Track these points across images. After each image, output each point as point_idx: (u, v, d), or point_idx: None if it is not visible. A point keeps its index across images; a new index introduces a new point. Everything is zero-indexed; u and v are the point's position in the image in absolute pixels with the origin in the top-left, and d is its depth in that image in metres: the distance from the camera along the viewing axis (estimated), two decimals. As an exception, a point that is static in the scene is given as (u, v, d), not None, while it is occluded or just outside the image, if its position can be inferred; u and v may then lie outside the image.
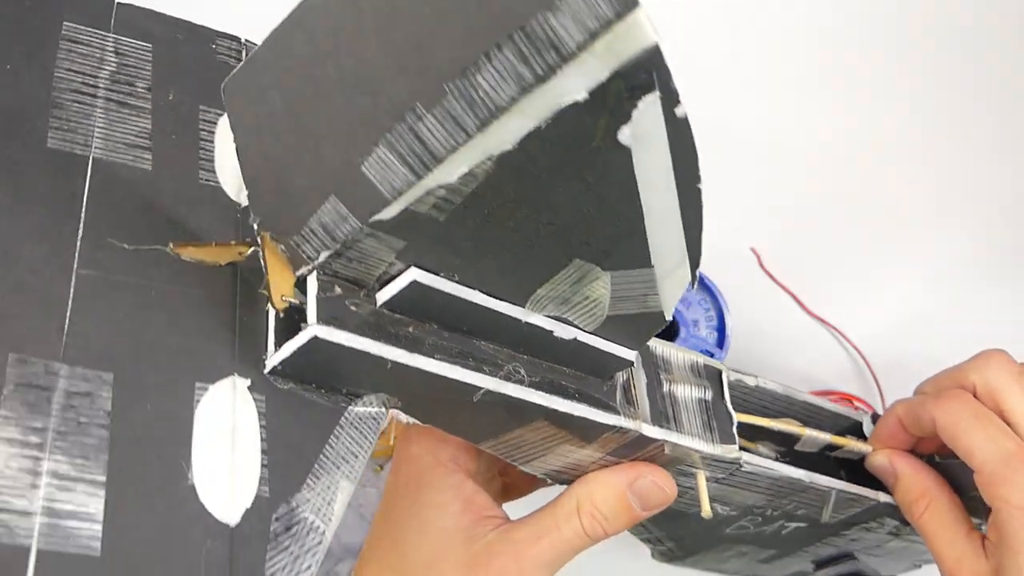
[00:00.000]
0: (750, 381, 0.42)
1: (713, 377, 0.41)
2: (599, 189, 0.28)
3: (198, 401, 0.29)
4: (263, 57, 0.27)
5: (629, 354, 0.35)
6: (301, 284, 0.30)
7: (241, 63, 0.28)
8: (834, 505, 0.44)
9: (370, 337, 0.30)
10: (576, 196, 0.28)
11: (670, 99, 0.25)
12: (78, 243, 0.29)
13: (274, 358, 0.30)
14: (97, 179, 0.31)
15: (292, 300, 0.30)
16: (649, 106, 0.25)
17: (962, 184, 0.61)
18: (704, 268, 0.55)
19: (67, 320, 0.28)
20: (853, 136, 0.61)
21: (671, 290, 0.32)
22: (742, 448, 0.39)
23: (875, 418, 0.46)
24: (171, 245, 0.31)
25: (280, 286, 0.30)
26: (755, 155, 0.59)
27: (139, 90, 0.33)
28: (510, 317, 0.32)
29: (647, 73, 0.24)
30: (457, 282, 0.31)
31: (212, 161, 0.33)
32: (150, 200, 0.31)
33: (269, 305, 0.31)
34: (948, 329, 0.58)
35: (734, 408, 0.40)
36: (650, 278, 0.31)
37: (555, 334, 0.33)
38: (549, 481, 0.39)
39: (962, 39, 0.62)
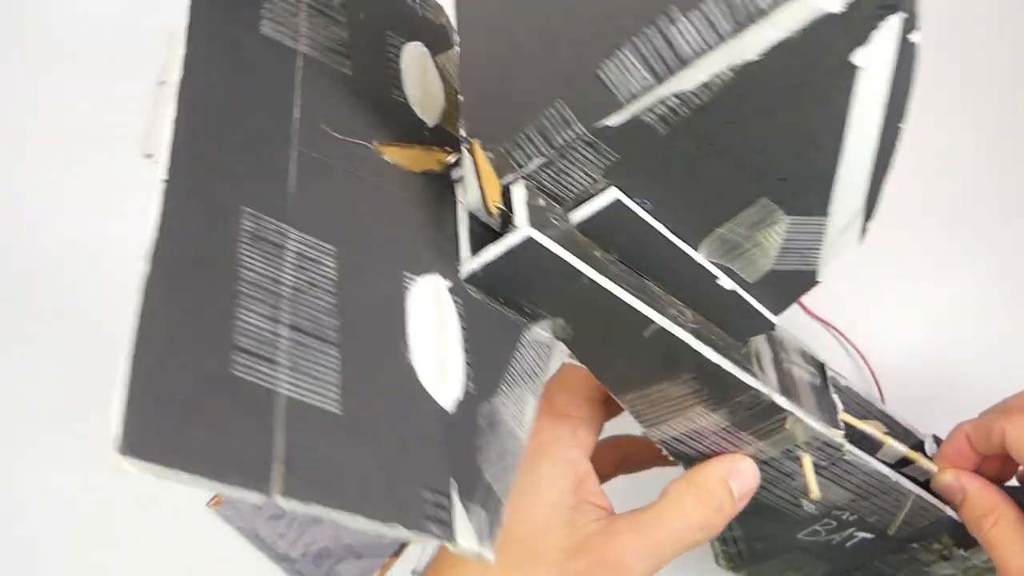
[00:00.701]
0: (841, 381, 0.44)
1: (817, 366, 0.42)
2: (813, 118, 0.29)
3: (407, 289, 0.28)
4: None
5: (771, 316, 0.36)
6: (505, 194, 0.30)
7: None
8: (907, 513, 0.45)
9: (571, 252, 0.30)
10: (790, 123, 0.29)
11: (910, 22, 0.27)
12: (294, 122, 0.29)
13: (473, 262, 0.30)
14: (308, 70, 0.30)
15: (502, 207, 0.30)
16: (889, 29, 0.27)
17: (964, 186, 0.61)
18: None
19: (290, 187, 0.27)
20: None
21: (838, 247, 0.33)
22: None
23: (937, 440, 0.48)
24: (375, 143, 0.30)
25: (491, 190, 0.30)
26: None
27: (335, 3, 0.33)
28: (685, 256, 0.33)
29: None
30: (649, 211, 0.32)
31: (401, 81, 0.33)
32: (352, 101, 0.31)
33: (462, 212, 0.31)
34: (950, 331, 0.58)
35: None
36: (822, 230, 0.33)
37: (718, 281, 0.34)
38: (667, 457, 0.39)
39: (958, 37, 0.62)
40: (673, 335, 0.33)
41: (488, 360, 0.29)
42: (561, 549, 0.35)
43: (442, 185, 0.32)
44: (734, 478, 0.38)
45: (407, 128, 0.32)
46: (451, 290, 0.29)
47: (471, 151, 0.30)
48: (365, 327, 0.26)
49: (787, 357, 0.40)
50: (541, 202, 0.31)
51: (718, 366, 0.34)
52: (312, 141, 0.29)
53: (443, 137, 0.33)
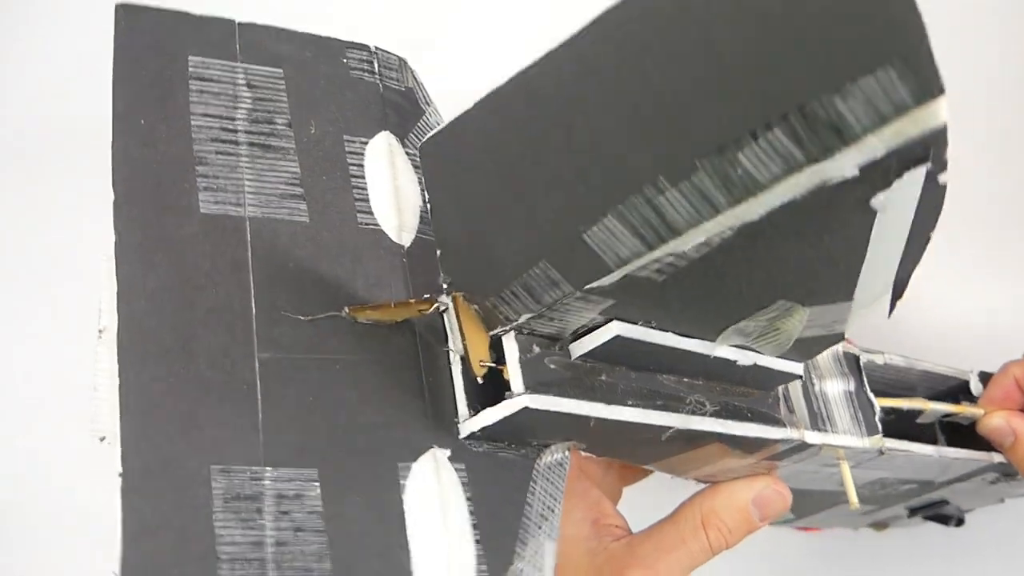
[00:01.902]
0: (879, 360, 0.42)
1: (852, 364, 0.40)
2: (830, 246, 0.26)
3: (403, 484, 0.27)
4: (473, 119, 0.24)
5: (797, 368, 0.34)
6: (496, 343, 0.28)
7: (442, 125, 0.25)
8: (951, 470, 0.45)
9: (572, 396, 0.28)
10: (804, 253, 0.26)
11: (938, 168, 0.23)
12: (254, 323, 0.27)
13: (470, 425, 0.28)
14: (258, 243, 0.28)
15: (489, 364, 0.28)
16: (914, 175, 0.23)
17: (962, 182, 0.60)
18: None
19: (260, 414, 0.26)
20: None
21: (863, 319, 0.30)
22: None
23: (983, 377, 0.46)
24: (347, 309, 0.28)
25: (477, 350, 0.28)
26: None
27: (279, 127, 0.30)
28: (699, 354, 0.30)
29: (924, 149, 0.22)
30: (653, 327, 0.29)
31: (367, 200, 0.30)
32: (314, 257, 0.29)
33: (455, 365, 0.29)
34: (946, 328, 0.58)
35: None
36: (847, 309, 0.30)
37: (737, 363, 0.31)
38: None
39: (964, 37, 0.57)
40: (693, 429, 0.31)
41: (499, 522, 0.28)
42: (586, 573, 0.36)
43: (430, 323, 0.30)
44: (758, 504, 0.37)
45: (382, 262, 0.30)
46: (451, 458, 0.28)
47: (454, 304, 0.28)
48: (360, 554, 0.25)
49: (819, 374, 0.37)
50: (536, 348, 0.28)
51: (743, 436, 0.32)
52: (275, 339, 0.27)
53: (422, 256, 0.31)
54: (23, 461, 0.54)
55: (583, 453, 0.32)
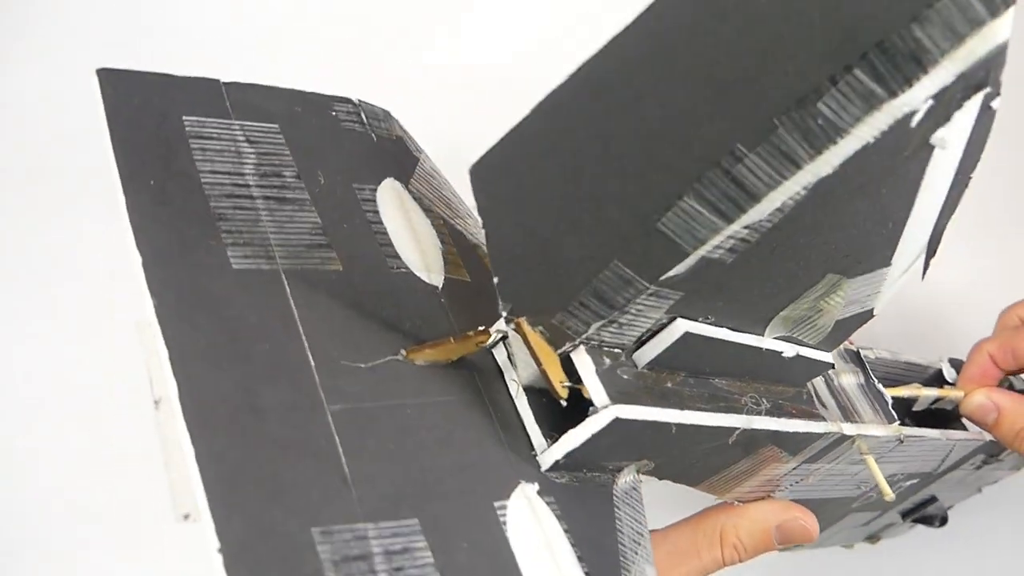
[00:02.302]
0: (870, 355, 0.42)
1: (855, 358, 0.40)
2: (886, 199, 0.26)
3: (504, 523, 0.25)
4: (529, 128, 0.24)
5: (828, 357, 0.34)
6: (565, 360, 0.27)
7: (494, 144, 0.24)
8: (952, 455, 0.45)
9: (652, 405, 0.27)
10: (862, 212, 0.26)
11: (995, 91, 0.24)
12: (315, 375, 0.24)
13: (552, 453, 0.26)
14: (298, 295, 0.26)
15: (569, 384, 0.26)
16: (972, 104, 0.24)
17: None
18: None
19: (346, 468, 0.23)
20: None
21: (899, 286, 0.31)
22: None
23: (954, 362, 0.48)
24: (403, 352, 0.26)
25: (553, 370, 0.26)
26: None
27: (289, 180, 0.28)
28: (752, 348, 0.30)
29: (985, 72, 0.23)
30: (711, 323, 0.28)
31: (391, 245, 0.29)
32: (357, 304, 0.27)
33: (518, 396, 0.27)
34: (944, 326, 0.59)
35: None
36: (883, 278, 0.30)
37: (784, 355, 0.31)
38: None
39: None
40: (755, 428, 0.30)
41: (601, 553, 0.26)
42: None
43: (480, 363, 0.28)
44: (783, 531, 0.36)
45: (422, 305, 0.28)
46: (540, 492, 0.26)
47: (520, 331, 0.26)
48: (484, 603, 0.23)
49: (834, 371, 0.38)
50: (607, 361, 0.27)
51: (795, 432, 0.32)
52: (341, 390, 0.24)
53: (457, 295, 0.29)
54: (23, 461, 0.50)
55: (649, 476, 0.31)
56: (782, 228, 0.25)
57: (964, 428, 0.46)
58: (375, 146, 0.31)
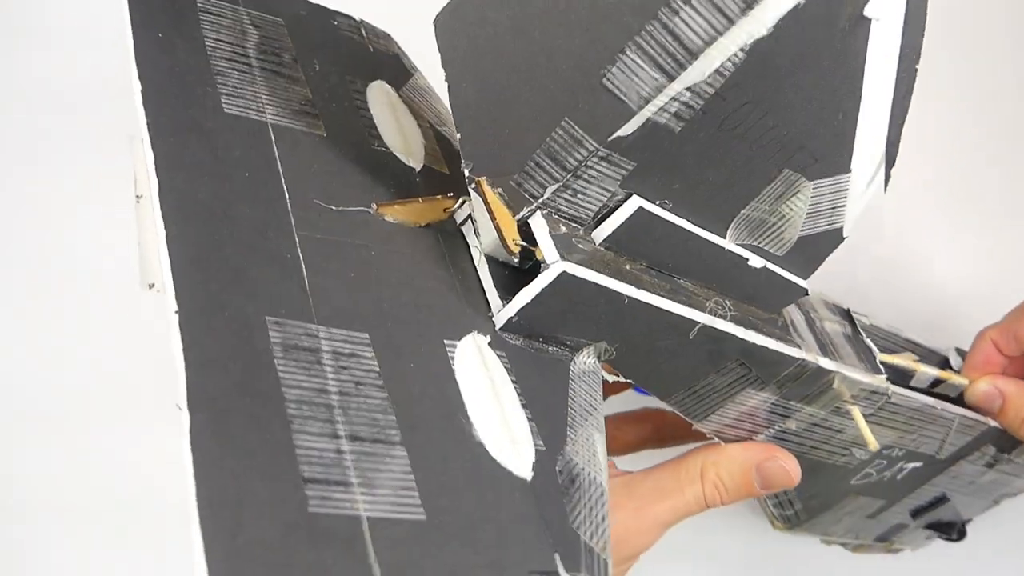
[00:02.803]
0: (864, 320, 0.43)
1: (844, 314, 0.41)
2: (830, 79, 0.28)
3: (452, 358, 0.26)
4: None
5: (802, 282, 0.35)
6: (523, 227, 0.28)
7: None
8: (952, 435, 0.45)
9: (605, 273, 0.28)
10: (807, 90, 0.28)
11: None
12: (288, 205, 0.26)
13: (508, 310, 0.28)
14: (282, 144, 0.28)
15: (522, 244, 0.28)
16: None
17: (962, 183, 0.61)
18: None
19: (306, 280, 0.25)
20: None
21: (863, 200, 0.32)
22: None
23: (961, 352, 0.48)
24: (375, 206, 0.28)
25: (508, 230, 0.28)
26: None
27: (286, 60, 0.30)
28: (714, 246, 0.31)
29: None
30: (670, 210, 0.30)
31: (376, 128, 0.31)
32: (336, 165, 0.29)
33: (479, 261, 0.29)
34: (944, 324, 0.58)
35: None
36: (845, 187, 0.31)
37: (749, 263, 0.32)
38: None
39: (964, 35, 0.61)
40: (718, 329, 0.31)
41: (547, 409, 0.27)
42: None
43: (450, 232, 0.30)
44: (762, 472, 0.37)
45: (398, 179, 0.30)
46: (491, 344, 0.27)
47: (479, 191, 0.28)
48: (424, 415, 0.24)
49: (817, 315, 0.39)
50: (563, 228, 0.29)
51: (764, 347, 0.33)
52: (311, 221, 0.26)
53: (434, 180, 0.31)
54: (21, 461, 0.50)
55: (608, 378, 0.32)
56: (725, 97, 0.26)
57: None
58: (371, 54, 0.33)
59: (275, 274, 0.24)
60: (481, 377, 0.26)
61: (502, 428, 0.25)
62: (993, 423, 0.44)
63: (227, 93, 0.28)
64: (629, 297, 0.29)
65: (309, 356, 0.23)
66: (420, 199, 0.29)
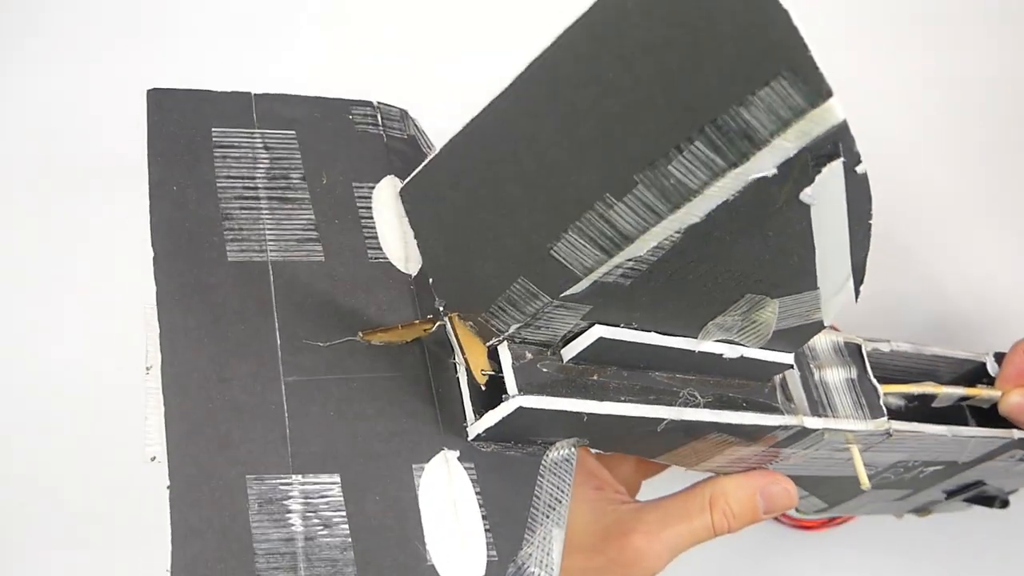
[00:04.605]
0: (884, 348, 0.44)
1: (854, 353, 0.42)
2: (777, 240, 0.28)
3: (417, 482, 0.30)
4: (438, 164, 0.28)
5: (787, 358, 0.36)
6: (493, 353, 0.32)
7: (416, 171, 0.29)
8: (971, 449, 0.46)
9: (564, 395, 0.31)
10: (755, 248, 0.29)
11: (852, 160, 0.25)
12: (279, 352, 0.31)
13: (476, 427, 0.31)
14: (280, 283, 0.32)
15: (490, 372, 0.31)
16: (832, 169, 0.26)
17: (961, 183, 0.61)
18: None
19: (287, 430, 0.30)
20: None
21: (836, 305, 0.33)
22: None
23: (998, 357, 0.47)
24: (360, 334, 0.32)
25: (476, 361, 0.31)
26: None
27: (294, 181, 0.34)
28: (683, 349, 0.33)
29: (833, 144, 0.25)
30: (636, 329, 0.32)
31: (375, 238, 0.34)
32: (331, 291, 0.33)
33: (461, 375, 0.32)
34: (945, 325, 0.59)
35: (876, 376, 0.42)
36: (816, 297, 0.32)
37: (724, 356, 0.34)
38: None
39: (966, 39, 0.62)
40: (687, 419, 0.34)
41: (508, 513, 0.31)
42: (592, 533, 0.38)
43: (439, 339, 0.33)
44: (765, 497, 0.40)
45: (392, 290, 0.33)
46: (460, 458, 0.31)
47: (451, 323, 0.31)
48: (380, 544, 0.29)
49: (818, 364, 0.40)
50: (529, 355, 0.32)
51: (739, 424, 0.35)
52: (299, 365, 0.31)
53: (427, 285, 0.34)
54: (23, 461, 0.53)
55: (592, 449, 0.35)
56: (669, 260, 0.28)
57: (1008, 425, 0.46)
58: (385, 146, 0.36)
59: (259, 430, 0.29)
60: (444, 498, 0.30)
61: (456, 546, 0.30)
62: (1019, 435, 0.44)
63: (233, 239, 0.32)
64: (587, 414, 0.32)
65: (281, 507, 0.28)
66: (400, 325, 0.32)
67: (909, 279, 0.60)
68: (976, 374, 0.48)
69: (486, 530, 0.31)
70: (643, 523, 0.39)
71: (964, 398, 0.46)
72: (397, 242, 0.35)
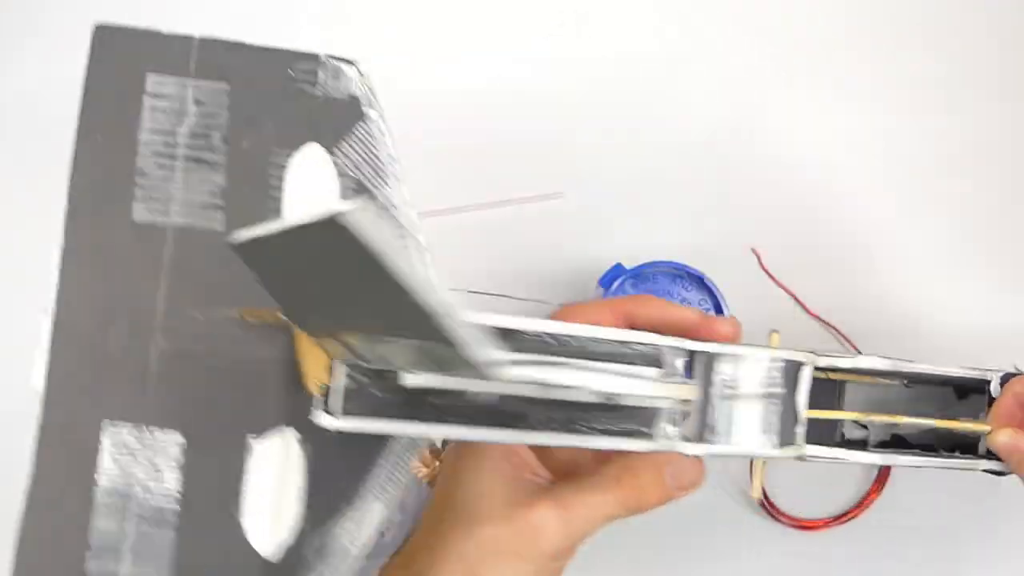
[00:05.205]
0: (844, 363, 0.42)
1: (790, 373, 0.40)
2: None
3: (248, 453, 0.35)
4: (268, 239, 0.29)
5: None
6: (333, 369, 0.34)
7: (250, 233, 0.29)
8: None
9: (396, 418, 0.34)
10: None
11: None
12: (159, 317, 0.35)
13: (318, 419, 0.35)
14: (176, 249, 0.35)
15: (327, 384, 0.34)
16: None
17: (960, 183, 0.61)
18: (705, 268, 0.52)
19: (151, 387, 0.35)
20: (853, 136, 0.61)
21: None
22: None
23: (1005, 378, 0.44)
24: (239, 311, 0.35)
25: (314, 373, 0.34)
26: (756, 156, 0.60)
27: (215, 142, 0.35)
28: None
29: None
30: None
31: (279, 211, 0.36)
32: (221, 263, 0.35)
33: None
34: (946, 328, 0.59)
35: (825, 394, 0.41)
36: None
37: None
38: None
39: (970, 42, 0.62)
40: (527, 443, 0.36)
41: (333, 491, 0.36)
42: (503, 505, 0.40)
43: None
44: (671, 470, 0.40)
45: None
46: (300, 440, 0.36)
47: (296, 333, 0.34)
48: (204, 502, 0.35)
49: (732, 385, 0.39)
50: (364, 378, 0.34)
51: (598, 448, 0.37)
52: (174, 330, 0.35)
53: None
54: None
55: None
56: None
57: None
58: (318, 106, 0.36)
59: (125, 383, 0.35)
60: (272, 470, 0.35)
61: (271, 515, 0.35)
62: (986, 465, 0.44)
63: (142, 197, 0.35)
64: (408, 437, 0.34)
65: (126, 451, 0.35)
66: (271, 311, 0.35)
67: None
68: (977, 389, 0.45)
69: (305, 504, 0.36)
70: (550, 495, 0.40)
71: (937, 428, 0.43)
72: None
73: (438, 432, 0.35)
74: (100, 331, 0.35)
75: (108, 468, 0.35)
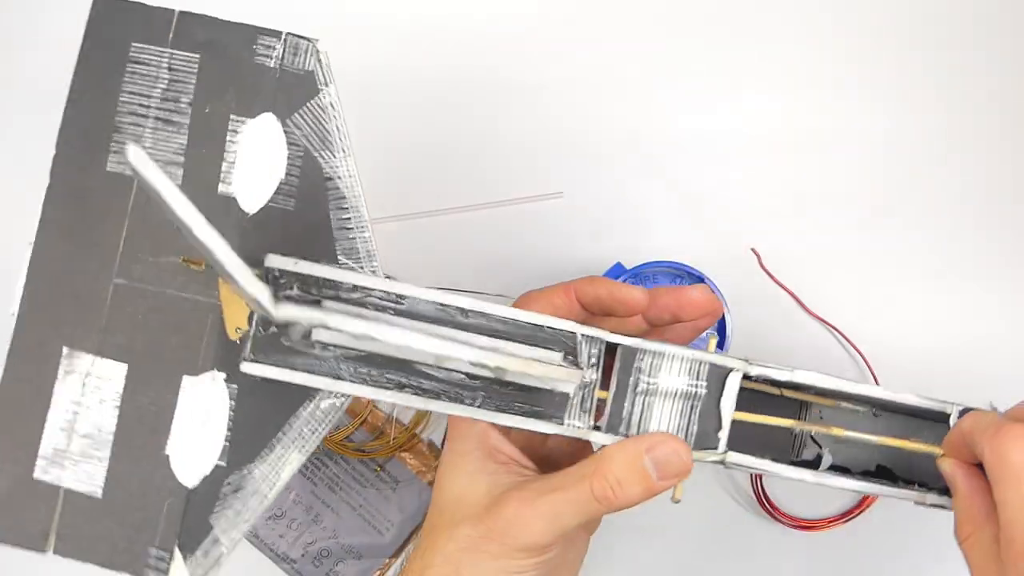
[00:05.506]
0: (782, 376, 0.40)
1: (715, 377, 0.39)
2: None
3: (181, 389, 0.38)
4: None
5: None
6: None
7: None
8: None
9: (299, 369, 0.36)
10: None
11: None
12: (118, 257, 0.39)
13: (243, 365, 0.38)
14: (139, 198, 0.39)
15: (244, 330, 0.37)
16: None
17: (961, 184, 0.59)
18: (705, 268, 0.50)
19: (105, 321, 0.39)
20: (853, 137, 0.60)
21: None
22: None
23: (963, 412, 0.41)
24: (183, 259, 0.39)
25: (233, 318, 0.37)
26: (756, 156, 0.59)
27: (182, 106, 0.39)
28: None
29: None
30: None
31: (231, 173, 0.39)
32: None
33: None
34: (947, 328, 0.58)
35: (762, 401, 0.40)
36: None
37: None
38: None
39: (968, 41, 0.60)
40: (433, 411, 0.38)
41: (255, 432, 0.39)
42: (482, 504, 0.40)
43: None
44: (653, 459, 0.38)
45: (226, 224, 0.39)
46: (227, 379, 0.38)
47: (220, 283, 0.37)
48: (136, 431, 0.39)
49: (652, 382, 0.39)
50: (274, 328, 0.37)
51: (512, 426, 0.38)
52: (129, 271, 0.39)
53: (263, 221, 0.39)
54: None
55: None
56: None
57: None
58: (276, 80, 0.39)
59: (83, 316, 0.39)
60: (199, 408, 0.38)
61: (193, 449, 0.38)
62: (933, 500, 0.42)
63: (115, 150, 0.39)
64: (317, 389, 0.37)
65: (78, 379, 0.39)
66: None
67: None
68: (936, 419, 0.42)
69: (226, 441, 0.38)
70: (522, 492, 0.39)
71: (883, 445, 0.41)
72: (248, 180, 0.39)
73: (337, 388, 0.37)
74: (69, 266, 0.39)
75: (61, 394, 0.39)
